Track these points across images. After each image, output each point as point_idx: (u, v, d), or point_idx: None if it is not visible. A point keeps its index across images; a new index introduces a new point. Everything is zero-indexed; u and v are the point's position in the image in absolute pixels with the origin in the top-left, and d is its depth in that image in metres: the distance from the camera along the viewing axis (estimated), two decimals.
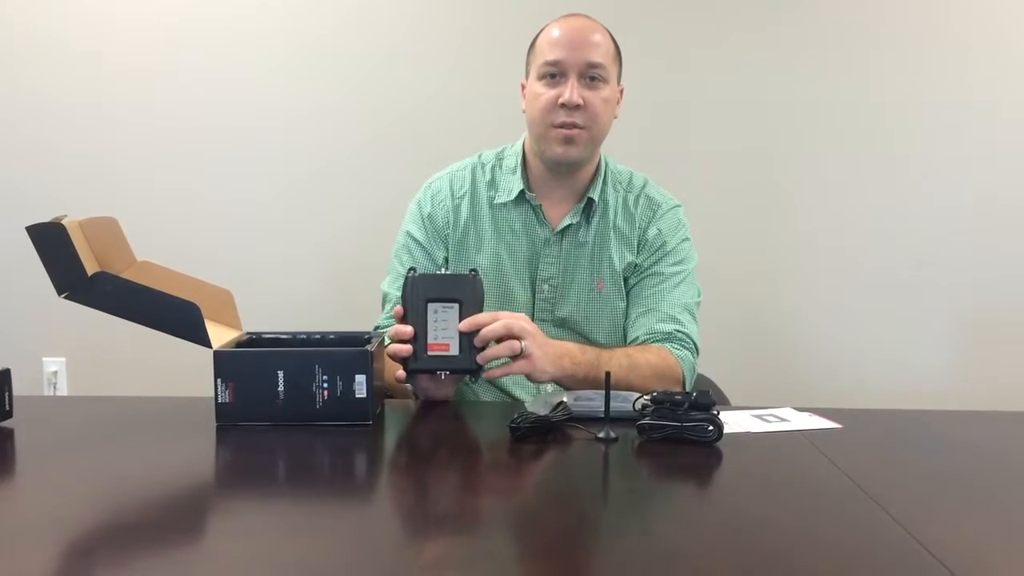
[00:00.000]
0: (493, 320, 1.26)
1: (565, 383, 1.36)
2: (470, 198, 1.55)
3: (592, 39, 1.44)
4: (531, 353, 1.26)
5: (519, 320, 1.27)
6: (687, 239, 1.57)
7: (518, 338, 1.26)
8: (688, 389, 1.48)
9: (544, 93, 1.45)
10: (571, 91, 1.42)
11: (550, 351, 1.31)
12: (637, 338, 1.48)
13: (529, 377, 1.30)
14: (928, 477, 1.02)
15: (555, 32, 1.46)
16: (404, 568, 0.76)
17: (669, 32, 2.57)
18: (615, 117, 1.52)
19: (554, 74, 1.44)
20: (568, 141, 1.45)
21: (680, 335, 1.48)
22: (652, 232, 1.54)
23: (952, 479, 1.02)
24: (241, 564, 0.76)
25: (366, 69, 2.59)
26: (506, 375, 1.29)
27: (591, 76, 1.43)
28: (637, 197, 1.56)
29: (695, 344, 1.50)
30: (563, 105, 1.42)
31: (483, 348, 1.27)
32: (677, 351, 1.46)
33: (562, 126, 1.44)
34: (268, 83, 2.60)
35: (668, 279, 1.52)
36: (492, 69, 2.46)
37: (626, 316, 1.54)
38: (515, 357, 1.27)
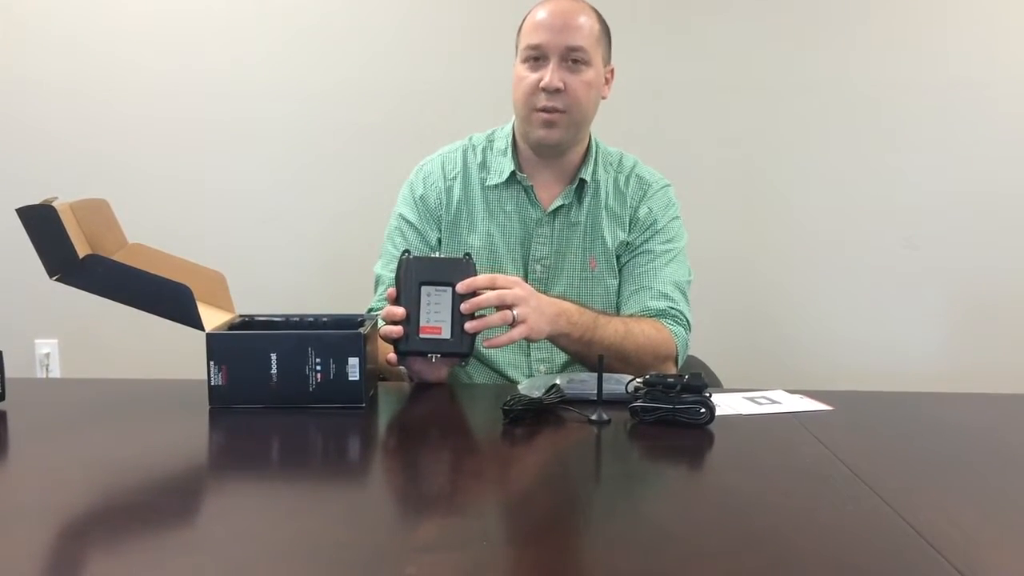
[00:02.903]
0: (490, 285, 1.26)
1: (559, 341, 1.37)
2: (462, 180, 1.55)
3: (574, 22, 1.44)
4: (525, 318, 1.27)
5: (513, 288, 1.28)
6: (677, 217, 1.57)
7: (511, 306, 1.26)
8: (680, 365, 1.49)
9: (526, 77, 1.45)
10: (551, 75, 1.42)
11: (547, 311, 1.32)
12: (631, 315, 1.49)
13: (527, 337, 1.31)
14: (918, 459, 1.03)
15: (539, 15, 1.46)
16: (397, 549, 0.76)
17: (662, 12, 2.56)
18: (603, 98, 1.52)
19: (536, 57, 1.44)
20: (549, 124, 1.45)
21: (673, 312, 1.49)
22: (643, 211, 1.54)
23: (942, 461, 1.03)
24: (234, 546, 0.77)
25: (360, 57, 2.58)
26: (505, 344, 1.30)
27: (572, 59, 1.43)
28: (628, 177, 1.57)
29: (688, 321, 1.51)
30: (544, 89, 1.42)
31: (475, 332, 1.28)
32: (671, 326, 1.47)
33: (543, 110, 1.44)
34: (262, 70, 2.58)
35: (659, 257, 1.52)
36: (485, 56, 2.45)
37: (618, 294, 1.55)
38: (510, 325, 1.27)
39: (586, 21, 1.45)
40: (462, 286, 1.25)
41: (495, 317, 1.26)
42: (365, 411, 1.18)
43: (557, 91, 1.42)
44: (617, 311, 1.55)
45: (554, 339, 1.36)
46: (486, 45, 2.41)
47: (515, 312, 1.26)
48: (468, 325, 1.26)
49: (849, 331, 2.63)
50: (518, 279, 1.31)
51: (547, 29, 1.43)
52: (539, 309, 1.30)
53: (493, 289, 1.26)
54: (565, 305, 1.36)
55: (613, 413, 1.14)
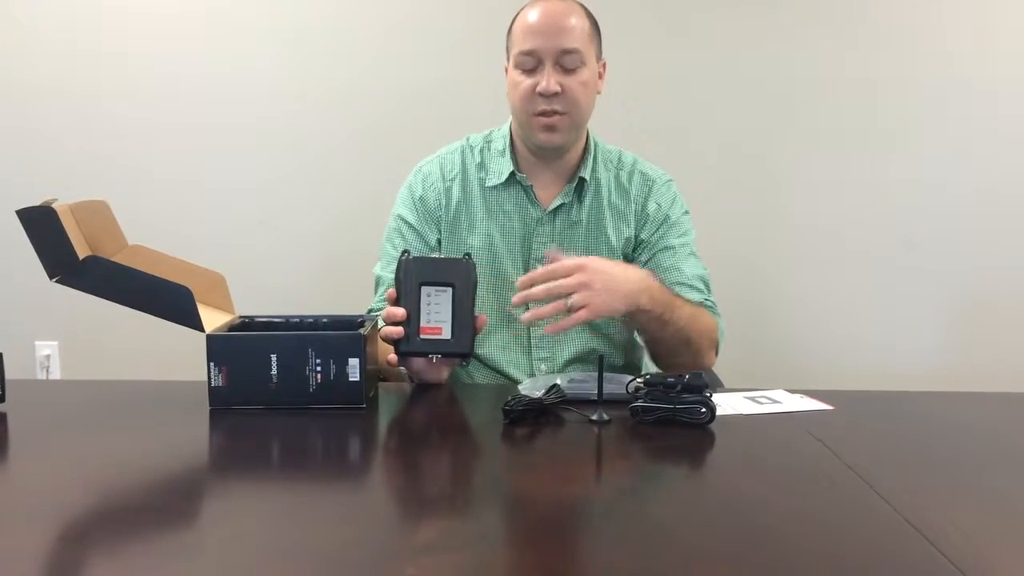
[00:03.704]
0: (549, 276, 1.23)
1: (638, 317, 1.33)
2: (461, 180, 1.55)
3: (566, 24, 1.43)
4: (586, 302, 1.23)
5: (572, 274, 1.23)
6: (687, 212, 1.58)
7: (567, 294, 1.23)
8: (718, 355, 1.50)
9: (522, 82, 1.45)
10: (548, 80, 1.41)
11: (623, 287, 1.28)
12: None
13: (596, 317, 1.28)
14: (918, 458, 1.03)
15: (529, 18, 1.45)
16: (397, 550, 0.76)
17: (662, 11, 2.56)
18: (598, 92, 1.52)
19: (530, 63, 1.44)
20: (550, 129, 1.45)
21: (708, 303, 1.50)
22: (652, 206, 1.54)
23: (942, 460, 1.03)
24: (235, 547, 0.77)
25: (359, 59, 2.58)
26: (567, 328, 1.26)
27: (567, 61, 1.43)
28: (630, 173, 1.57)
29: (718, 312, 1.52)
30: (541, 94, 1.42)
31: (476, 333, 1.28)
32: (712, 317, 1.48)
33: (542, 114, 1.43)
34: (262, 72, 2.58)
35: (679, 251, 1.52)
36: (483, 57, 2.43)
37: None
38: (570, 309, 1.24)
39: (577, 21, 1.44)
40: (522, 281, 1.23)
41: (547, 309, 1.24)
42: (365, 412, 1.18)
43: (555, 95, 1.42)
44: None
45: (632, 315, 1.32)
46: (484, 46, 2.39)
47: (572, 299, 1.23)
48: (523, 318, 1.26)
49: (850, 331, 2.63)
50: (584, 262, 1.26)
51: (539, 33, 1.43)
52: (608, 288, 1.26)
53: (553, 279, 1.23)
54: (649, 281, 1.33)
55: (614, 413, 1.14)
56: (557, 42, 1.42)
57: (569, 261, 1.26)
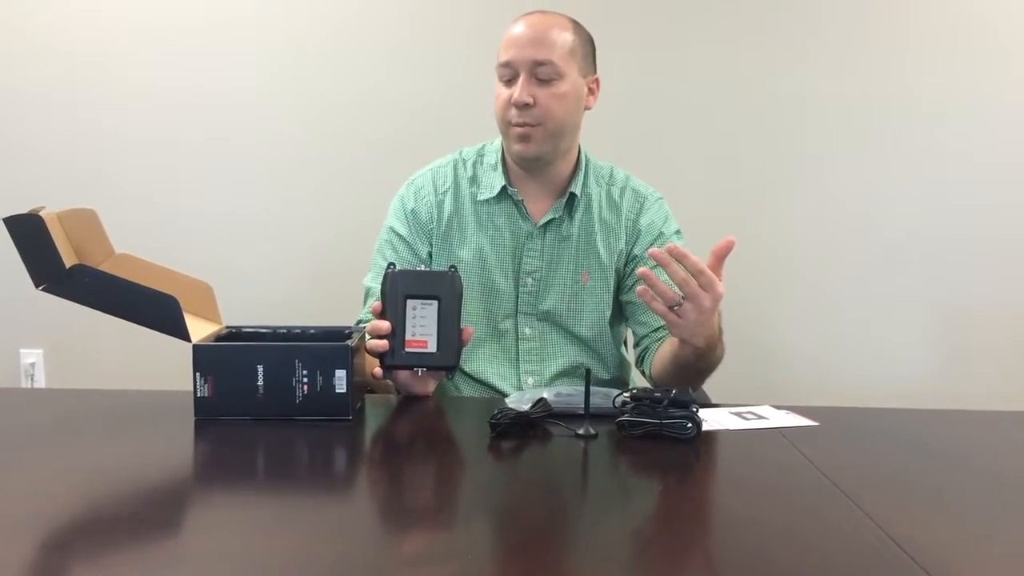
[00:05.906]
0: (699, 270, 1.22)
1: (692, 350, 1.34)
2: (453, 194, 1.55)
3: (544, 36, 1.44)
4: (685, 316, 1.23)
5: (706, 291, 1.22)
6: (679, 231, 1.58)
7: (686, 299, 1.23)
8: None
9: (501, 94, 1.47)
10: (519, 90, 1.43)
11: (704, 331, 1.29)
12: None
13: (671, 329, 1.29)
14: (902, 475, 1.03)
15: (511, 31, 1.47)
16: (384, 563, 0.76)
17: (655, 26, 2.58)
18: (588, 108, 1.52)
19: (509, 74, 1.45)
20: (524, 139, 1.46)
21: None
22: (644, 222, 1.55)
23: (926, 477, 1.03)
24: (220, 559, 0.76)
25: (351, 71, 2.58)
26: (663, 296, 1.23)
27: (542, 73, 1.43)
28: (622, 189, 1.57)
29: None
30: (514, 104, 1.43)
31: (461, 346, 1.28)
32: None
33: (516, 125, 1.45)
34: (254, 84, 2.58)
35: None
36: (478, 70, 2.44)
37: (617, 309, 1.55)
38: (672, 307, 1.23)
39: (558, 34, 1.45)
40: (673, 250, 1.20)
41: (667, 288, 1.23)
42: (352, 424, 1.18)
43: (527, 106, 1.43)
44: (610, 326, 1.56)
45: (684, 343, 1.34)
46: (483, 60, 2.41)
47: (681, 307, 1.23)
48: (639, 289, 1.23)
49: (837, 347, 2.64)
50: (721, 293, 1.25)
51: (516, 45, 1.44)
52: (700, 323, 1.26)
53: (702, 272, 1.22)
54: (715, 334, 1.34)
55: (600, 427, 1.14)
56: (531, 53, 1.43)
57: (716, 279, 1.24)
